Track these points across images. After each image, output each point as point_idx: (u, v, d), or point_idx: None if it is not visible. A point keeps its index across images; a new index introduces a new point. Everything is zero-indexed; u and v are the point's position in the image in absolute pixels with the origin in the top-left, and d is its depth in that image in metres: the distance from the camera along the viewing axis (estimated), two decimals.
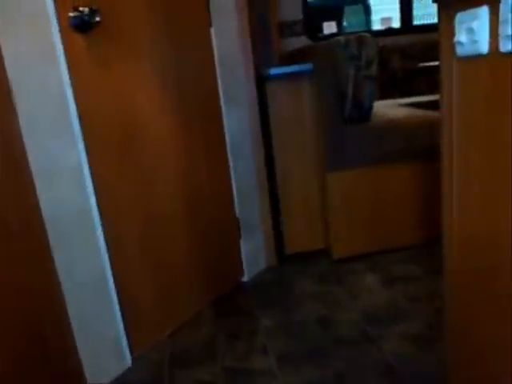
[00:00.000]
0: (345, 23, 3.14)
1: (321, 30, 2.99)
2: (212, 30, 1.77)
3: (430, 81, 2.89)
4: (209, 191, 1.82)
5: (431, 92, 2.87)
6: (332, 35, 2.98)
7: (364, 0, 3.46)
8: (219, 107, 1.84)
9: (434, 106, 2.57)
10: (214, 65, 1.80)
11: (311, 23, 2.91)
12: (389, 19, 3.02)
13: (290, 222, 2.16)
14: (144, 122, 1.52)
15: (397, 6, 3.02)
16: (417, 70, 2.96)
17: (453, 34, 0.87)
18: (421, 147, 2.02)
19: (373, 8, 3.41)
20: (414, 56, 2.98)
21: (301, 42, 2.89)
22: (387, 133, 2.00)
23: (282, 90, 1.99)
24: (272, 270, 2.12)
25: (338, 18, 3.32)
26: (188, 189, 1.72)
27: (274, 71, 1.95)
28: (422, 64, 2.80)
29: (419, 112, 2.21)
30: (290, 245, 2.19)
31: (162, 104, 1.58)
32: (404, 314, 1.64)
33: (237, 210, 1.97)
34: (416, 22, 3.03)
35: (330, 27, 2.93)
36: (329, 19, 2.99)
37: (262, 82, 1.99)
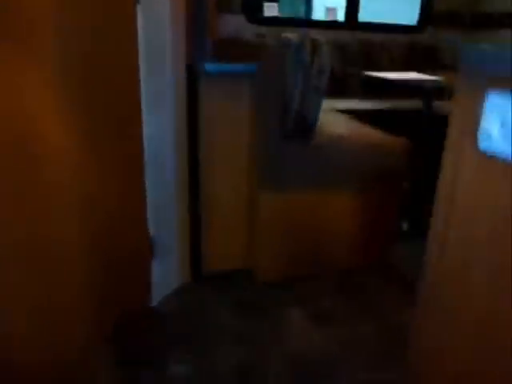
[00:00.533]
0: (282, 7, 2.84)
1: (261, 10, 2.66)
2: (139, 7, 1.39)
3: (367, 85, 2.74)
4: (117, 208, 1.48)
5: (366, 96, 2.74)
6: (273, 19, 2.67)
7: None
8: (139, 106, 1.48)
9: (372, 115, 2.43)
10: (136, 50, 1.42)
11: (250, 2, 2.57)
12: (334, 10, 2.78)
13: (213, 239, 1.90)
14: (37, 131, 1.13)
15: None
16: (356, 75, 2.80)
17: (474, 115, 0.65)
18: (366, 171, 1.86)
19: None
20: (355, 59, 2.80)
21: (239, 21, 2.55)
22: (331, 154, 1.79)
23: (217, 90, 1.67)
24: (187, 293, 1.85)
25: None
26: (90, 211, 1.36)
27: (209, 67, 1.62)
28: (365, 72, 2.61)
29: (365, 129, 2.04)
30: (211, 263, 1.93)
31: (62, 107, 1.19)
32: (338, 361, 1.49)
33: (151, 227, 1.66)
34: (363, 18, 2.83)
35: (271, 9, 2.62)
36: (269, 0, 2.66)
37: (194, 77, 1.65)
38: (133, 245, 1.60)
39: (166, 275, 1.78)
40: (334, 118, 2.22)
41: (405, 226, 2.26)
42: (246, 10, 2.55)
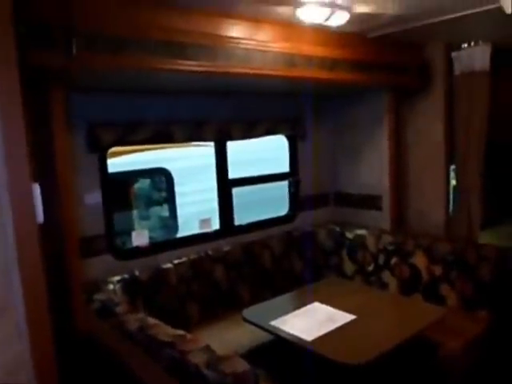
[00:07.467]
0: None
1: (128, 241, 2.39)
2: None
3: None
4: None
5: None
6: (145, 250, 2.38)
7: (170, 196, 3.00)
8: None
9: None
10: None
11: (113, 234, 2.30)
12: (208, 220, 2.65)
13: None
14: None
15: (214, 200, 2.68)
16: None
17: None
18: None
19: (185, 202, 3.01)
20: (237, 263, 2.64)
21: (106, 262, 2.25)
22: None
23: None
24: None
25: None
26: None
27: None
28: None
29: None
30: None
31: None
32: None
33: None
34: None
35: (140, 237, 2.36)
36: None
37: None
38: None
39: None
40: None
41: None
42: (112, 247, 2.27)
